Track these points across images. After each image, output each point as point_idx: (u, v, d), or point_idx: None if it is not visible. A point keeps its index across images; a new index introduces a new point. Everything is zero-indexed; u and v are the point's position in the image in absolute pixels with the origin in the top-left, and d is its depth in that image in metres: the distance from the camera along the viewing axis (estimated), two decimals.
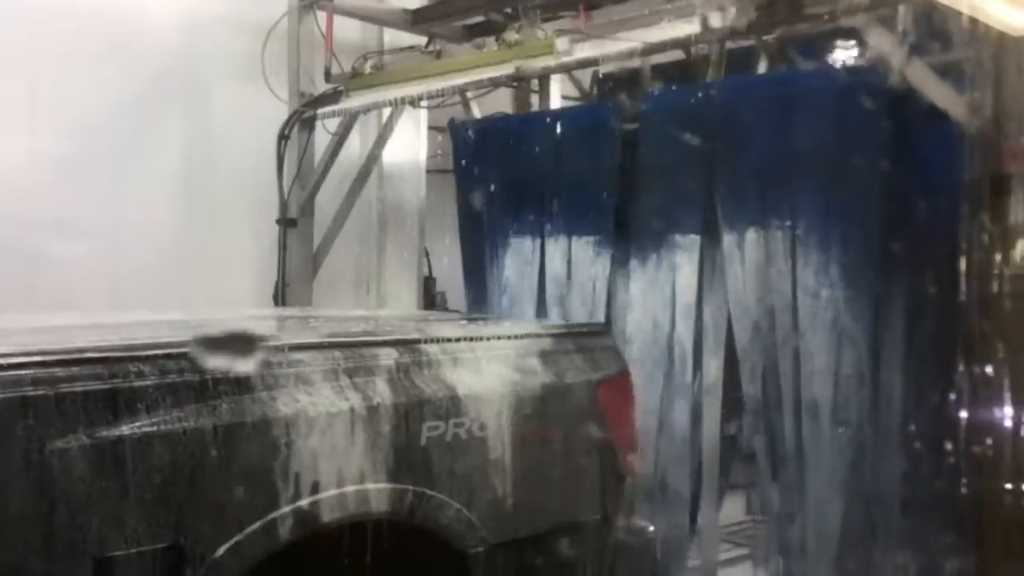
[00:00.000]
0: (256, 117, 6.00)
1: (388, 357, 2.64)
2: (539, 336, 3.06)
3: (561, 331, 3.20)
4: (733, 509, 4.72)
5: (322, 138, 6.00)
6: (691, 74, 4.92)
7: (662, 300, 4.41)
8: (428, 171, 6.89)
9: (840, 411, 3.74)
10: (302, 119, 5.60)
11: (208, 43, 6.12)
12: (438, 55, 5.13)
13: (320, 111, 5.45)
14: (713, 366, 4.25)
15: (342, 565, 2.55)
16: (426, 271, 6.83)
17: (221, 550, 2.25)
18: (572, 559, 2.98)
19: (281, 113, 5.92)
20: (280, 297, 5.70)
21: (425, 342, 2.74)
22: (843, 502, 3.73)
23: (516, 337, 3.00)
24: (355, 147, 6.43)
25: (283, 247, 5.70)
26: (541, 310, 4.85)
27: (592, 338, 3.26)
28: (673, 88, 4.65)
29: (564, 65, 4.52)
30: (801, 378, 3.84)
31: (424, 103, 5.30)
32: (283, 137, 5.68)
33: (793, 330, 3.88)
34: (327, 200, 6.18)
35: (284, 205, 5.70)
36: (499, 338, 2.93)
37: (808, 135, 3.96)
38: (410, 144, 6.72)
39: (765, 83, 4.33)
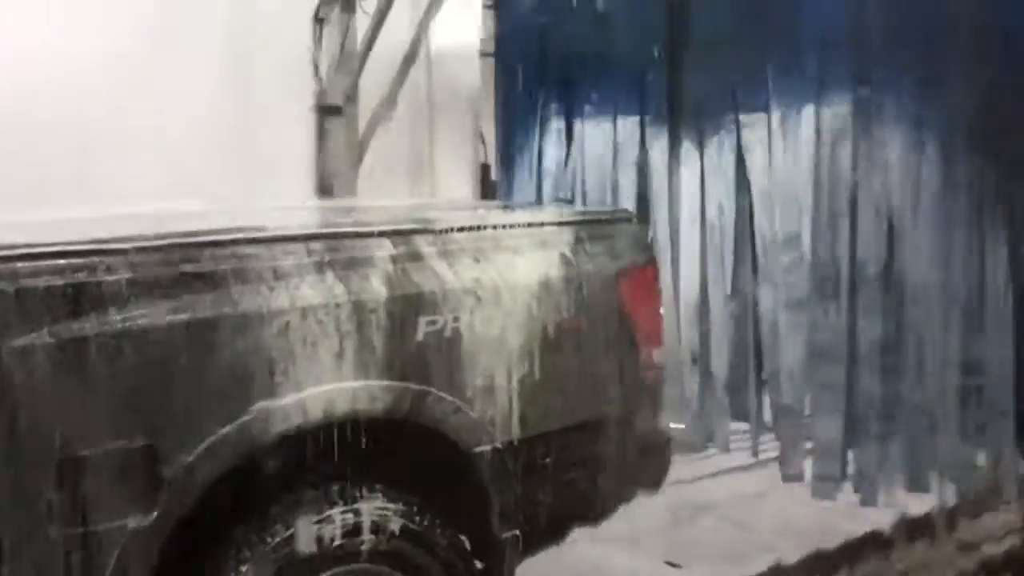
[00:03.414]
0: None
1: (380, 248, 2.48)
2: (553, 224, 2.86)
3: (580, 218, 2.99)
4: None
5: (365, 21, 5.75)
6: None
7: (725, 183, 4.13)
8: (483, 54, 6.60)
9: (948, 289, 3.46)
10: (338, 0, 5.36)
11: None
12: None
13: None
14: (786, 251, 3.95)
15: (344, 462, 2.47)
16: (482, 158, 6.61)
17: (196, 450, 2.16)
18: (588, 458, 2.85)
19: None
20: (324, 188, 5.58)
21: (420, 232, 2.57)
22: (953, 382, 3.46)
23: (527, 225, 2.80)
24: (403, 29, 6.16)
25: (321, 136, 5.54)
26: (583, 196, 4.63)
27: (616, 225, 3.03)
28: None
29: None
30: (898, 258, 3.56)
31: None
32: (318, 20, 5.45)
33: (885, 209, 3.58)
34: (372, 86, 5.97)
35: (322, 92, 5.51)
36: (505, 227, 2.73)
37: None
38: (462, 24, 6.41)
39: None
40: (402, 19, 6.10)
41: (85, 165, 5.61)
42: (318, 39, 5.47)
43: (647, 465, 2.99)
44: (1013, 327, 3.38)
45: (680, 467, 3.20)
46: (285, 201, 4.06)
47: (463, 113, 6.48)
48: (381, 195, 5.99)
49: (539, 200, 4.65)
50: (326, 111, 5.53)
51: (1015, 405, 3.35)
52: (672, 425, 3.25)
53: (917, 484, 3.59)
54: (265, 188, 5.77)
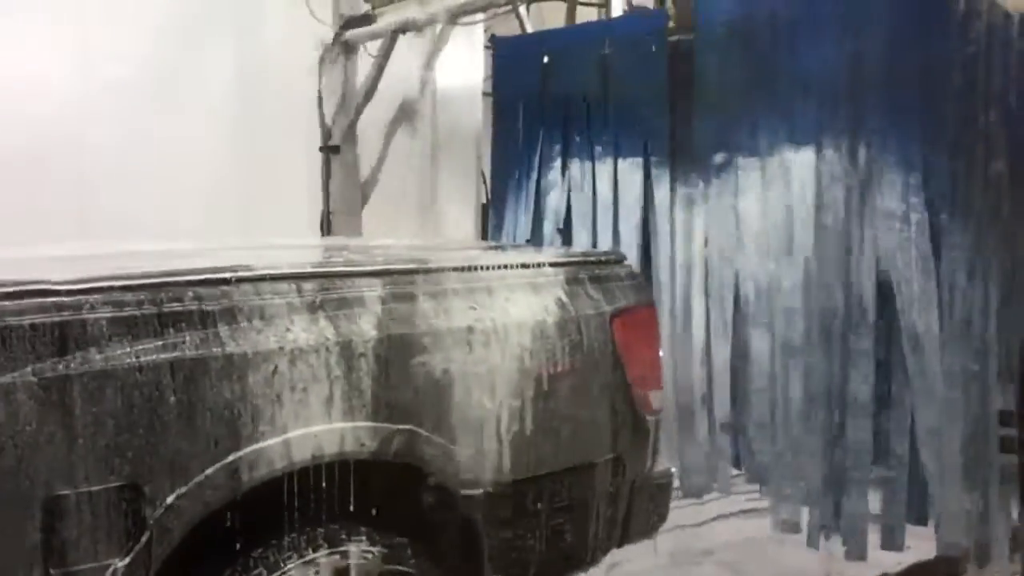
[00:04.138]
0: (305, 41, 5.85)
1: (370, 289, 2.47)
2: (547, 265, 2.84)
3: (574, 260, 2.97)
4: None
5: (368, 62, 5.81)
6: None
7: (725, 227, 4.11)
8: (487, 94, 6.64)
9: (946, 342, 3.39)
10: (340, 43, 5.42)
11: None
12: None
13: (350, 34, 5.26)
14: (781, 295, 3.90)
15: (332, 505, 2.43)
16: (483, 198, 6.63)
17: (180, 491, 2.14)
18: (581, 502, 2.80)
19: (327, 37, 5.75)
20: (326, 226, 5.59)
21: (411, 273, 2.56)
22: (953, 438, 3.38)
23: (520, 266, 2.78)
24: (407, 70, 6.21)
25: (326, 175, 5.58)
26: (583, 238, 4.61)
27: (609, 267, 3.01)
28: None
29: None
30: (897, 309, 3.50)
31: (466, 20, 5.03)
32: (324, 61, 5.51)
33: (879, 259, 3.54)
34: (378, 126, 6.01)
35: (326, 132, 5.55)
36: (498, 268, 2.72)
37: (882, 42, 3.57)
38: (465, 65, 6.47)
39: None
40: (407, 60, 6.17)
41: (88, 201, 5.66)
42: (323, 80, 5.51)
43: (643, 509, 2.94)
44: (1007, 378, 3.32)
45: (678, 511, 3.15)
46: (279, 239, 4.05)
47: (467, 153, 6.53)
48: (384, 234, 6.02)
49: (537, 241, 4.64)
50: (329, 151, 5.57)
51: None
52: (672, 469, 3.21)
53: (892, 541, 3.50)
54: (270, 226, 5.81)
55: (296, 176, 6.08)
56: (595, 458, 2.80)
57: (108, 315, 2.12)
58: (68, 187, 5.58)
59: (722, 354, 4.10)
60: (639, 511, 2.93)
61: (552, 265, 2.84)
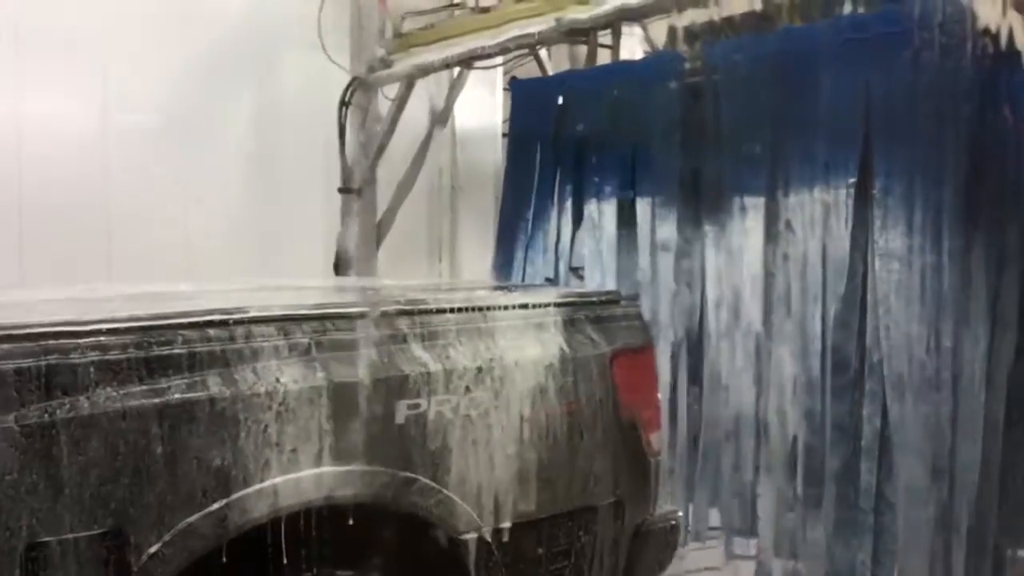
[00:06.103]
0: (324, 84, 5.92)
1: (360, 330, 2.45)
2: (545, 306, 2.81)
3: (573, 300, 2.94)
4: None
5: (387, 105, 5.86)
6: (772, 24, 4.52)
7: (734, 266, 4.06)
8: (506, 135, 6.68)
9: (936, 388, 3.31)
10: (359, 86, 5.48)
11: (275, 11, 6.08)
12: (484, 10, 4.88)
13: (370, 77, 5.32)
14: (786, 340, 3.83)
15: (321, 550, 2.41)
16: None
17: (166, 538, 2.12)
18: (581, 547, 2.75)
19: (347, 79, 5.82)
20: (343, 267, 5.62)
21: (402, 314, 2.54)
22: (936, 490, 3.29)
23: (516, 307, 2.75)
24: (425, 112, 6.26)
25: (345, 216, 5.62)
26: (595, 277, 4.58)
27: (610, 307, 2.98)
28: (740, 37, 4.27)
29: (607, 15, 4.18)
30: (888, 352, 3.43)
31: (481, 64, 5.06)
32: (344, 104, 5.57)
33: (876, 301, 3.48)
34: (398, 166, 6.06)
35: (346, 173, 5.60)
36: (492, 309, 2.69)
37: (886, 83, 3.54)
38: (484, 106, 6.52)
39: (838, 29, 3.86)
40: (427, 101, 6.22)
41: (113, 243, 5.74)
42: (343, 123, 5.58)
43: (647, 553, 2.88)
44: (983, 428, 3.22)
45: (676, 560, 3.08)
46: (283, 281, 4.05)
47: (485, 193, 6.54)
48: (400, 274, 6.04)
49: (552, 281, 4.63)
50: (346, 192, 5.62)
51: (976, 520, 3.17)
52: (679, 512, 3.15)
53: None
54: (288, 268, 5.85)
55: (314, 218, 6.13)
56: (595, 501, 2.75)
57: (96, 359, 2.12)
58: (92, 230, 5.67)
59: (743, 395, 4.02)
60: (643, 554, 2.87)
61: (551, 306, 2.81)
